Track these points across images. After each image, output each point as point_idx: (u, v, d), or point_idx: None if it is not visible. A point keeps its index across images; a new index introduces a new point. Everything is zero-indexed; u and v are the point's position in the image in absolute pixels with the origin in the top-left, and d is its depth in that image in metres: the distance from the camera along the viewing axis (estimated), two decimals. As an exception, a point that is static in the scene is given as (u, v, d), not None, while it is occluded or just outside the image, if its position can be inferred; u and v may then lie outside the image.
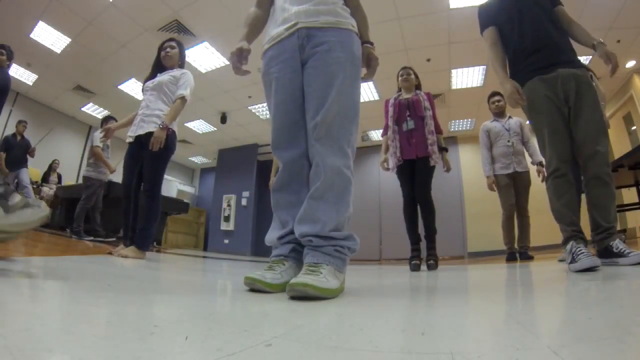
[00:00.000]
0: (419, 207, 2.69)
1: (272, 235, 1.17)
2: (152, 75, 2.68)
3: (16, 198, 0.72)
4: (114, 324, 0.55)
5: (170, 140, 2.47)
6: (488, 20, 1.91)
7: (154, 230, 2.51)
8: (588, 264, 1.40)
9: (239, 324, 0.59)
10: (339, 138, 1.09)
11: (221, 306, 0.87)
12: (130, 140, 2.56)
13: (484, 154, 3.45)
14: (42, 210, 0.73)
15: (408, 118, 2.76)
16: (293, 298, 0.87)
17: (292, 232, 1.12)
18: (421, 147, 2.68)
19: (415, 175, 2.70)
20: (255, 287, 0.97)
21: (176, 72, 2.62)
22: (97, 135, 4.40)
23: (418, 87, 2.92)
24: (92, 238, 4.13)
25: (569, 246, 1.54)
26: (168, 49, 2.64)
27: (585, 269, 1.41)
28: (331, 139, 1.08)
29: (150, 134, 2.41)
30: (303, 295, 0.86)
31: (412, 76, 2.88)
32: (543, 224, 2.97)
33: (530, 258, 3.16)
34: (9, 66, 3.32)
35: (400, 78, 2.90)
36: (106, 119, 4.47)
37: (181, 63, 2.72)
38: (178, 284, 1.33)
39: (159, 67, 2.68)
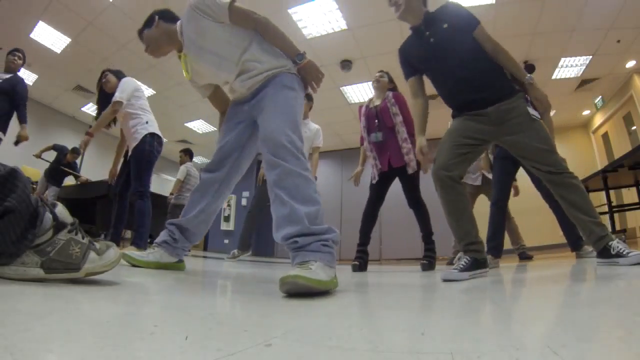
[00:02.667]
0: (413, 211, 2.65)
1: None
2: (102, 107, 2.78)
3: (47, 217, 0.83)
4: (113, 324, 0.55)
5: (148, 143, 2.61)
6: (408, 70, 1.87)
7: (148, 228, 2.63)
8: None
9: (239, 324, 0.59)
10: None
11: (221, 306, 0.87)
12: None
13: None
14: (117, 250, 0.93)
15: (377, 129, 2.65)
16: (288, 293, 0.88)
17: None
18: (396, 157, 2.59)
19: (401, 185, 2.66)
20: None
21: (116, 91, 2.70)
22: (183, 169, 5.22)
23: (394, 90, 2.77)
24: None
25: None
26: (104, 79, 2.80)
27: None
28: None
29: (134, 148, 2.62)
30: (294, 288, 0.87)
31: (385, 79, 2.76)
32: (541, 224, 2.97)
33: (530, 258, 3.15)
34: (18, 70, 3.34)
35: (373, 80, 2.80)
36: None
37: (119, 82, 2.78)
38: (178, 283, 1.33)
39: (104, 95, 2.81)
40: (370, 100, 2.78)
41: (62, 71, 5.73)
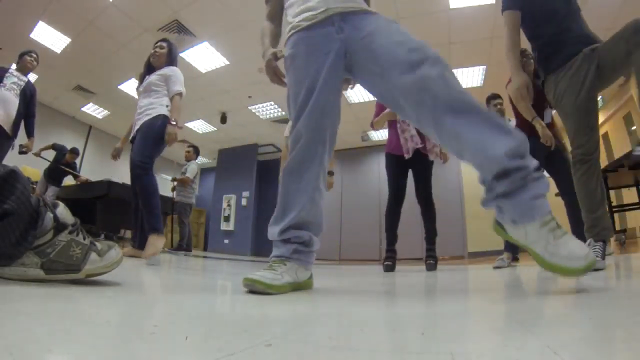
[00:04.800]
0: (420, 207, 2.66)
1: (273, 229, 1.13)
2: (144, 76, 2.71)
3: (48, 218, 0.82)
4: (114, 324, 0.55)
5: (162, 121, 2.48)
6: (515, 1, 1.78)
7: (159, 207, 2.31)
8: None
9: (239, 324, 0.59)
10: None
11: (221, 306, 0.87)
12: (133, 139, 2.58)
13: None
14: (119, 251, 0.92)
15: None
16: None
17: (293, 227, 1.09)
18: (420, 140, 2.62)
19: (415, 177, 2.67)
20: (255, 289, 0.93)
21: (165, 69, 2.62)
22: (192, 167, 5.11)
23: None
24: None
25: (587, 242, 1.55)
26: (157, 49, 2.66)
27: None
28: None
29: (145, 123, 2.44)
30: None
31: None
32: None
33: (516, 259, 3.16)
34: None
35: None
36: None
37: (170, 61, 2.69)
38: (178, 283, 1.33)
39: (149, 67, 2.71)
40: None
41: (62, 71, 5.73)
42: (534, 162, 0.88)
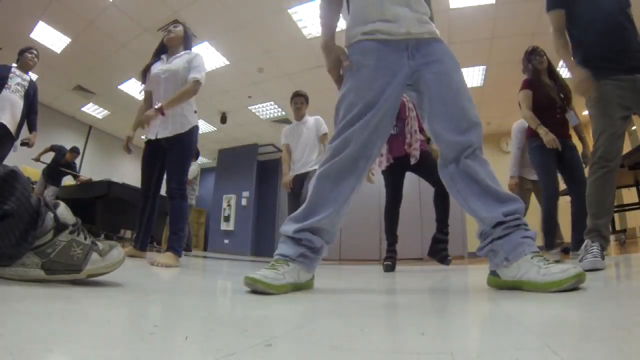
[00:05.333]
0: (436, 195, 2.59)
1: (290, 226, 1.12)
2: (155, 60, 2.45)
3: (49, 218, 0.81)
4: (114, 324, 0.55)
5: (195, 136, 2.35)
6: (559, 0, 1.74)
7: (184, 232, 2.33)
8: (589, 266, 1.41)
9: (239, 324, 0.59)
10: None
11: (221, 306, 0.87)
12: (151, 138, 2.35)
13: (515, 153, 3.33)
14: (121, 251, 0.92)
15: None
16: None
17: (310, 230, 1.09)
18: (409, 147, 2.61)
19: (420, 174, 2.65)
20: (256, 289, 0.93)
21: (187, 55, 2.36)
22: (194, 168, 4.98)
23: None
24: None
25: (584, 244, 1.56)
26: (171, 28, 2.42)
27: (587, 270, 1.42)
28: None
29: (177, 136, 2.25)
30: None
31: None
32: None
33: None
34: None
35: None
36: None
37: (187, 44, 2.47)
38: (178, 283, 1.33)
39: (162, 50, 2.46)
40: None
41: (62, 71, 5.73)
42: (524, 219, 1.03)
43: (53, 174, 5.03)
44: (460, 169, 1.09)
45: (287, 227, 1.11)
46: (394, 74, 1.11)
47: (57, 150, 5.12)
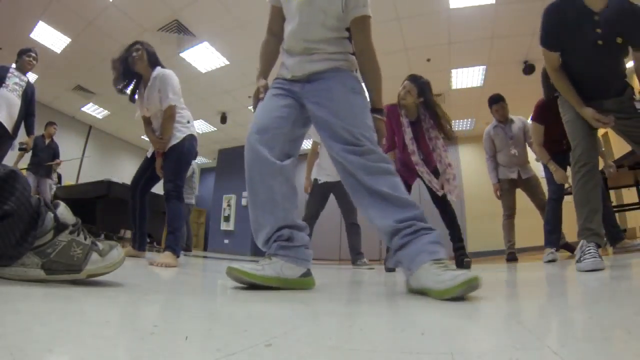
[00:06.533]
0: (439, 210, 2.61)
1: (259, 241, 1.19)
2: (128, 85, 2.52)
3: (49, 218, 0.81)
4: (114, 324, 0.55)
5: (190, 144, 2.42)
6: (555, 42, 1.69)
7: (184, 232, 2.42)
8: (590, 267, 1.41)
9: (239, 324, 0.59)
10: None
11: (221, 306, 0.87)
12: (148, 155, 2.59)
13: (489, 163, 3.42)
14: (121, 251, 0.92)
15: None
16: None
17: (275, 231, 1.14)
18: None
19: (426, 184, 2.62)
20: (234, 277, 1.01)
21: (155, 77, 2.37)
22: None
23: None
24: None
25: (580, 244, 1.56)
26: (133, 53, 2.39)
27: (587, 270, 1.42)
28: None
29: (173, 148, 2.36)
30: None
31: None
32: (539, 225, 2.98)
33: (515, 259, 3.17)
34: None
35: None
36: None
37: (151, 62, 2.42)
38: (178, 283, 1.33)
39: (128, 74, 2.47)
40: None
41: (62, 71, 5.73)
42: (423, 223, 1.05)
43: (35, 164, 4.73)
44: (358, 180, 1.13)
45: (259, 242, 1.18)
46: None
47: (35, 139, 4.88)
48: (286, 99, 1.24)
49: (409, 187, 2.62)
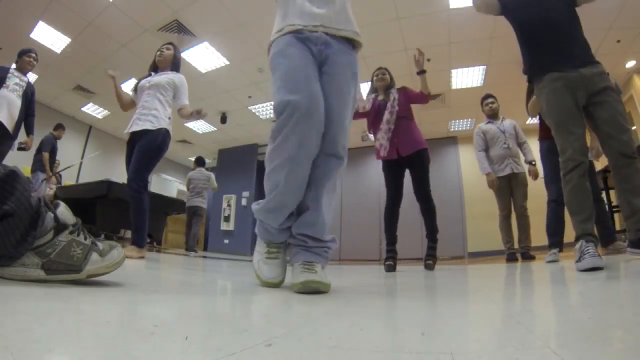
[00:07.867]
0: (419, 205, 2.66)
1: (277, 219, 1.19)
2: (147, 75, 2.73)
3: (49, 218, 0.81)
4: (113, 324, 0.55)
5: (163, 139, 2.50)
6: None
7: (146, 224, 2.46)
8: (590, 265, 1.41)
9: (239, 324, 0.59)
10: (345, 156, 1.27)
11: (221, 306, 0.87)
12: (126, 131, 2.60)
13: (480, 155, 3.44)
14: (121, 251, 0.92)
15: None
16: (300, 293, 0.98)
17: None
18: (406, 145, 2.64)
19: (412, 172, 2.68)
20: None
21: (173, 75, 2.67)
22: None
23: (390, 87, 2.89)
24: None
25: (578, 245, 1.56)
26: (163, 50, 2.71)
27: (588, 268, 1.42)
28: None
29: (144, 131, 2.44)
30: (312, 291, 0.99)
31: (387, 76, 2.87)
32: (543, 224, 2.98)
33: (532, 258, 3.16)
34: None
35: (375, 78, 2.89)
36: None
37: (175, 66, 2.75)
38: (178, 283, 1.33)
39: (154, 68, 2.75)
40: (375, 94, 2.89)
41: (62, 71, 5.73)
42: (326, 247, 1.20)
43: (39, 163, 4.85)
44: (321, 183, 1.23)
45: (275, 223, 1.22)
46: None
47: (49, 144, 4.93)
48: (314, 65, 1.23)
49: (399, 166, 2.69)
